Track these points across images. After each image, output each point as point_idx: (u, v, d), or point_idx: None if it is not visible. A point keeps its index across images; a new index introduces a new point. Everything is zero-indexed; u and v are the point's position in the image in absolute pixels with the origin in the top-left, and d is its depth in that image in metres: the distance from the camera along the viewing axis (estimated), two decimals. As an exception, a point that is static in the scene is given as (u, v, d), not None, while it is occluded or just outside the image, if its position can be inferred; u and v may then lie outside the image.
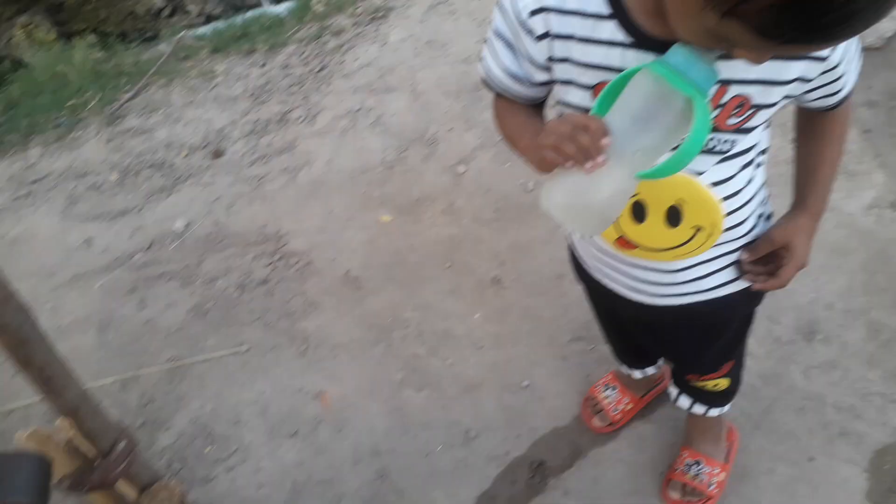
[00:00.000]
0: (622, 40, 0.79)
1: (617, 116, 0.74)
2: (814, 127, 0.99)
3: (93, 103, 3.13)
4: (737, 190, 0.92)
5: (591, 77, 0.84)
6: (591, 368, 1.78)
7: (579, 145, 0.72)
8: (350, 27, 3.09)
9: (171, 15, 4.37)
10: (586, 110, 0.84)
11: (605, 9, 0.79)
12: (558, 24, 0.82)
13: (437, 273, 2.12)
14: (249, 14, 4.02)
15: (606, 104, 0.77)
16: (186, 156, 2.76)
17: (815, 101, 0.90)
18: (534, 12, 0.82)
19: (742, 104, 0.81)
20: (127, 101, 3.12)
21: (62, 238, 2.46)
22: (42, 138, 3.00)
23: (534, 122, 0.96)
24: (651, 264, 1.01)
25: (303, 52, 3.10)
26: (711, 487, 1.47)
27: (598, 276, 1.15)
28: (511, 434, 1.69)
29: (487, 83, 0.98)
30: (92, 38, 4.00)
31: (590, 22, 0.80)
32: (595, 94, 0.84)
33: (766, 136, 0.95)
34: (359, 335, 1.97)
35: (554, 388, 1.76)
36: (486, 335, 1.92)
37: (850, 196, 2.00)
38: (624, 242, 0.97)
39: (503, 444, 1.67)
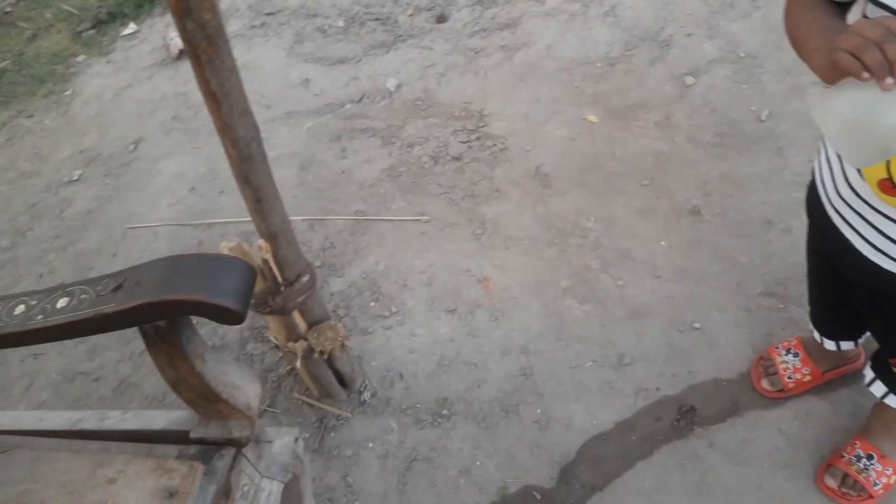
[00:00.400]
0: None
1: None
2: None
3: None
4: None
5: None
6: (776, 328, 1.66)
7: (886, 55, 0.65)
8: None
9: None
10: None
11: None
12: None
13: (632, 188, 2.04)
14: None
15: None
16: (412, 15, 2.81)
17: None
18: None
19: None
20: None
21: (284, 73, 2.66)
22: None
23: (832, 22, 0.87)
24: None
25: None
26: (877, 487, 1.37)
27: (837, 221, 1.04)
28: (667, 371, 1.65)
29: None
30: None
31: None
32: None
33: None
34: (535, 233, 1.98)
35: (728, 337, 1.68)
36: (668, 265, 1.85)
37: None
38: (888, 186, 0.86)
39: (657, 378, 1.64)
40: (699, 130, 2.13)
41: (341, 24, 2.85)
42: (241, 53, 2.74)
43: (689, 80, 2.25)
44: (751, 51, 2.28)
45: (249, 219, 1.20)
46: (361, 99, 2.47)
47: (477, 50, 2.56)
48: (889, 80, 0.65)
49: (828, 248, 1.14)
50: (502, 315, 1.83)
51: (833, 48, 0.70)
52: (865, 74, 0.66)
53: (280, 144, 2.37)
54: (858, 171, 0.91)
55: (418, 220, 2.07)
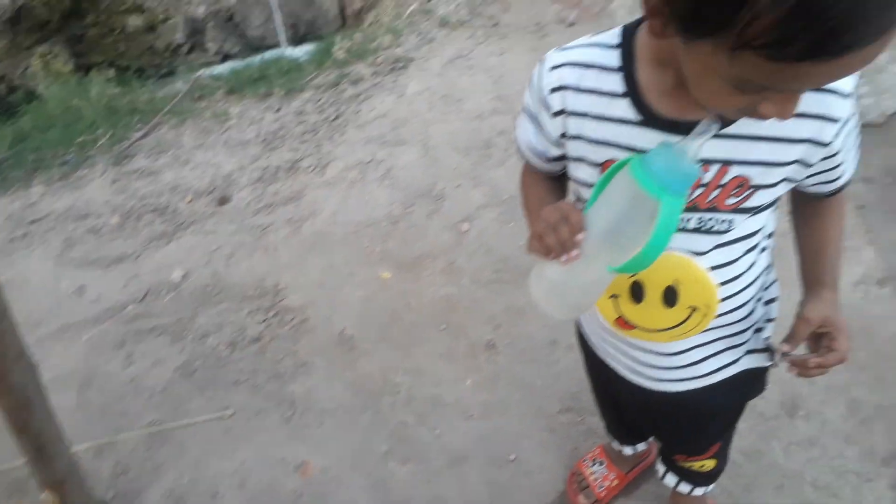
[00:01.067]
0: (633, 118, 0.89)
1: (596, 211, 0.84)
2: (813, 211, 1.05)
3: (102, 141, 3.33)
4: (737, 274, 0.99)
5: (601, 154, 0.93)
6: (579, 441, 1.85)
7: (558, 238, 0.83)
8: (369, 76, 3.27)
9: (190, 52, 4.62)
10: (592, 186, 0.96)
11: (620, 87, 0.89)
12: (574, 101, 0.92)
13: (431, 334, 2.21)
14: (268, 55, 4.26)
15: (597, 194, 0.86)
16: (191, 201, 2.92)
17: (815, 186, 0.96)
18: (553, 90, 0.93)
19: (742, 184, 0.89)
20: (137, 140, 3.32)
21: (54, 285, 2.60)
22: (47, 175, 3.19)
23: (548, 201, 1.02)
24: (649, 346, 1.09)
25: (319, 99, 3.28)
26: None
27: (601, 353, 1.23)
28: (495, 513, 1.75)
29: (518, 151, 1.10)
30: (109, 72, 4.27)
31: (604, 100, 0.90)
32: (603, 171, 0.92)
33: (773, 220, 1.02)
34: (347, 400, 2.06)
35: (541, 461, 1.83)
36: (476, 403, 2.00)
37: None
38: (623, 323, 1.04)
39: (486, 524, 1.74)
40: (480, 271, 2.38)
41: (116, 220, 2.88)
42: (2, 270, 2.66)
43: (465, 226, 2.53)
44: (512, 193, 2.63)
45: (20, 462, 1.15)
46: (145, 297, 2.48)
47: (264, 226, 2.70)
48: (563, 257, 0.83)
49: (600, 373, 1.34)
50: (325, 500, 1.85)
51: (530, 230, 0.90)
52: (550, 255, 0.85)
53: (55, 365, 2.26)
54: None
55: (221, 416, 2.07)
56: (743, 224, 0.94)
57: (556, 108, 0.94)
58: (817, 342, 1.03)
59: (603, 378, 1.32)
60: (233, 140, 3.20)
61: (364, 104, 3.14)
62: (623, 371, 1.19)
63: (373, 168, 2.83)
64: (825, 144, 0.87)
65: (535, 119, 0.99)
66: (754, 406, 1.80)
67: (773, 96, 0.69)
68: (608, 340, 1.17)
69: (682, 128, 0.84)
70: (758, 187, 0.89)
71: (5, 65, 4.45)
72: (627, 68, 0.89)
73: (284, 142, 3.09)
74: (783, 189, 0.93)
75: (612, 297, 1.02)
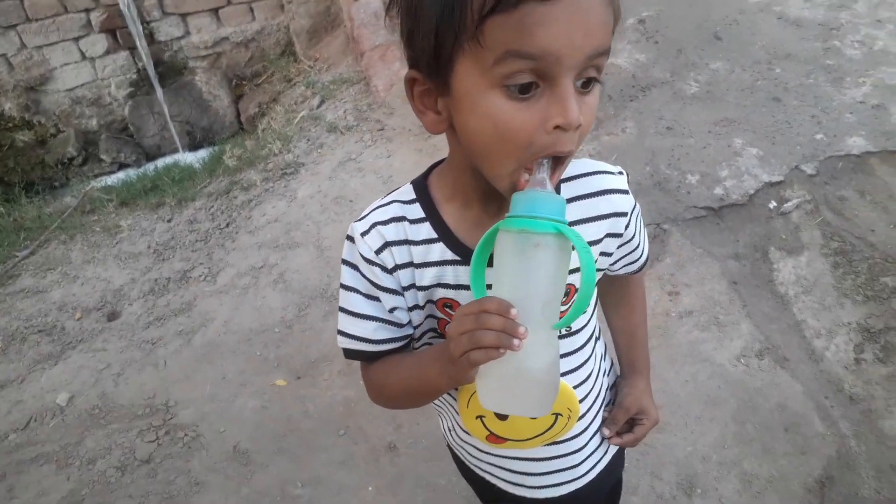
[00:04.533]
0: (452, 258, 0.91)
1: (505, 285, 0.76)
2: (618, 297, 1.16)
3: (-14, 262, 3.18)
4: (588, 373, 1.03)
5: (434, 294, 0.94)
6: (481, 545, 1.81)
7: (495, 329, 0.73)
8: (260, 182, 3.27)
9: (84, 163, 4.52)
10: (433, 331, 0.98)
11: (431, 233, 0.91)
12: (398, 254, 0.92)
13: (330, 441, 2.16)
14: (162, 163, 4.22)
15: (480, 286, 0.81)
16: (80, 318, 2.80)
17: (622, 268, 1.07)
18: (378, 250, 0.91)
19: (569, 291, 0.93)
20: (23, 260, 3.18)
21: (-69, 417, 2.43)
22: (-75, 301, 3.01)
23: (420, 357, 0.97)
24: (524, 454, 1.09)
25: (211, 207, 3.25)
26: None
27: (479, 472, 1.22)
28: None
29: (356, 353, 0.98)
30: (-4, 189, 4.11)
31: (422, 248, 0.92)
32: (439, 308, 0.95)
33: (596, 311, 1.09)
34: (242, 518, 1.97)
35: (443, 568, 1.79)
36: (376, 511, 1.95)
37: (721, 346, 2.18)
38: (494, 438, 1.05)
39: None
40: (379, 371, 2.36)
41: (-1, 344, 2.72)
42: None
43: (361, 326, 2.52)
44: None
45: None
46: (28, 424, 2.33)
47: (153, 341, 2.60)
48: (516, 342, 0.72)
49: (484, 492, 1.32)
50: None
51: (452, 361, 0.78)
52: (500, 351, 0.73)
53: (-72, 502, 2.11)
54: (466, 430, 1.10)
55: (108, 544, 1.94)
56: (580, 320, 1.00)
57: (390, 264, 0.92)
58: (631, 423, 1.16)
59: (485, 491, 1.31)
60: (124, 253, 3.11)
61: (255, 210, 3.12)
62: (503, 485, 1.18)
63: (265, 273, 2.80)
64: (620, 235, 0.98)
65: (369, 294, 0.94)
66: (653, 487, 1.84)
67: (550, 100, 0.70)
68: (483, 458, 1.16)
69: None
70: None
71: None
72: (432, 216, 0.91)
73: (176, 252, 3.02)
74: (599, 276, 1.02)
75: (477, 417, 1.02)
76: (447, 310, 0.95)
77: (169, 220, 3.26)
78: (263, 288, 2.74)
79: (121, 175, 4.33)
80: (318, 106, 3.69)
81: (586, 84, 0.73)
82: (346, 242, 0.96)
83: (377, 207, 0.95)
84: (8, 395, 2.48)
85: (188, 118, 4.62)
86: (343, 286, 0.96)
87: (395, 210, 0.93)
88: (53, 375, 2.53)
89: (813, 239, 2.49)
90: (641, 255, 1.07)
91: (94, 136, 4.60)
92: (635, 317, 1.18)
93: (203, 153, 4.38)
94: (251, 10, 4.54)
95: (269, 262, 2.84)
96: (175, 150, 4.66)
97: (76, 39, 4.35)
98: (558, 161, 0.76)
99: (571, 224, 0.91)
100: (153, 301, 2.80)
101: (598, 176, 0.95)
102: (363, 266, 0.93)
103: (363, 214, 0.95)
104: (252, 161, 3.43)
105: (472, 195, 0.90)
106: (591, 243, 0.95)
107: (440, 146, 3.20)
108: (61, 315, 2.83)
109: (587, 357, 1.04)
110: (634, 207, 0.99)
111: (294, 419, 2.24)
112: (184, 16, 4.48)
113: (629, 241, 1.01)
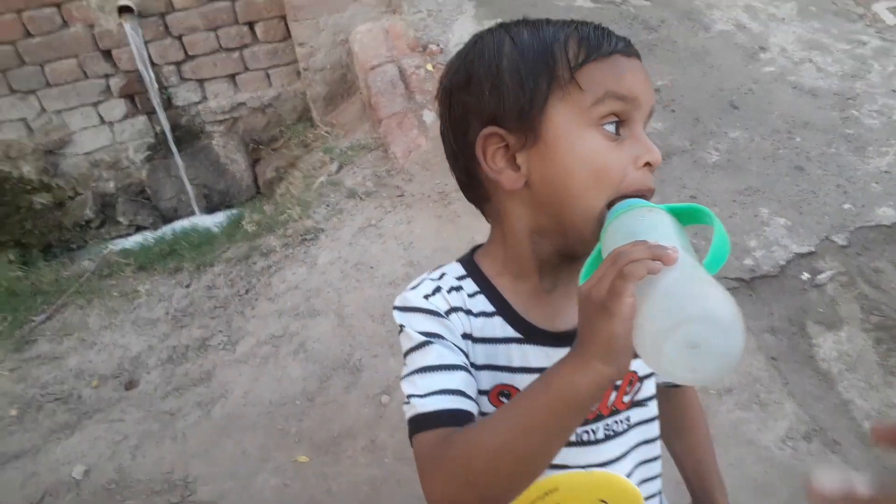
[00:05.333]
0: (514, 336, 0.86)
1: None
2: (680, 414, 1.08)
3: (2, 326, 3.14)
4: (655, 473, 0.97)
5: (489, 380, 0.85)
6: None
7: (643, 247, 0.61)
8: (279, 248, 3.25)
9: (101, 226, 4.52)
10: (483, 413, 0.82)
11: (489, 307, 0.86)
12: (462, 322, 0.85)
13: (354, 523, 2.09)
14: (180, 227, 4.22)
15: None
16: (97, 386, 2.75)
17: None
18: (448, 311, 0.84)
19: (631, 379, 0.90)
20: (40, 325, 3.15)
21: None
22: (-60, 367, 2.96)
23: (533, 383, 0.70)
24: None
25: (230, 273, 3.23)
26: None
27: None
28: None
29: (446, 414, 0.77)
30: (14, 252, 4.10)
31: (480, 320, 0.86)
32: (492, 400, 0.86)
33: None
34: None
35: None
36: None
37: (765, 427, 2.11)
38: None
39: None
40: (404, 446, 2.28)
41: (14, 413, 2.67)
42: None
43: (385, 398, 2.46)
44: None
45: None
46: (42, 499, 2.27)
47: (172, 412, 2.55)
48: (669, 248, 0.60)
49: None
50: None
51: (598, 301, 0.61)
52: (655, 262, 0.60)
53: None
54: None
55: None
56: (640, 415, 0.94)
57: (459, 330, 0.84)
58: None
59: None
60: (141, 319, 3.08)
61: (275, 276, 3.10)
62: None
63: (286, 342, 2.76)
64: None
65: (443, 337, 0.82)
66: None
67: (633, 141, 0.79)
68: None
69: (564, 339, 0.82)
70: (643, 377, 0.92)
71: None
72: (487, 288, 0.87)
73: (194, 319, 2.99)
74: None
75: None
76: (502, 399, 0.87)
77: (187, 286, 3.23)
78: (284, 358, 2.69)
79: (138, 238, 4.33)
80: (337, 171, 3.70)
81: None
82: (396, 313, 0.87)
83: (430, 279, 0.89)
84: (23, 466, 2.41)
85: (205, 181, 4.64)
86: (413, 347, 0.81)
87: (449, 281, 0.88)
88: (69, 446, 2.46)
89: (851, 312, 2.44)
90: None
91: (111, 199, 4.61)
92: (699, 436, 1.11)
93: (220, 216, 4.39)
94: (268, 76, 4.61)
95: (289, 330, 2.80)
96: (192, 213, 4.66)
97: (95, 104, 4.40)
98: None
99: None
100: (171, 370, 2.75)
101: None
102: (437, 316, 0.83)
103: (415, 283, 0.88)
104: (271, 226, 3.42)
105: (526, 266, 0.86)
106: None
107: (460, 212, 3.19)
108: (78, 383, 2.78)
109: (657, 438, 0.96)
110: None
111: (316, 499, 2.17)
112: (201, 81, 4.54)
113: None
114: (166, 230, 4.25)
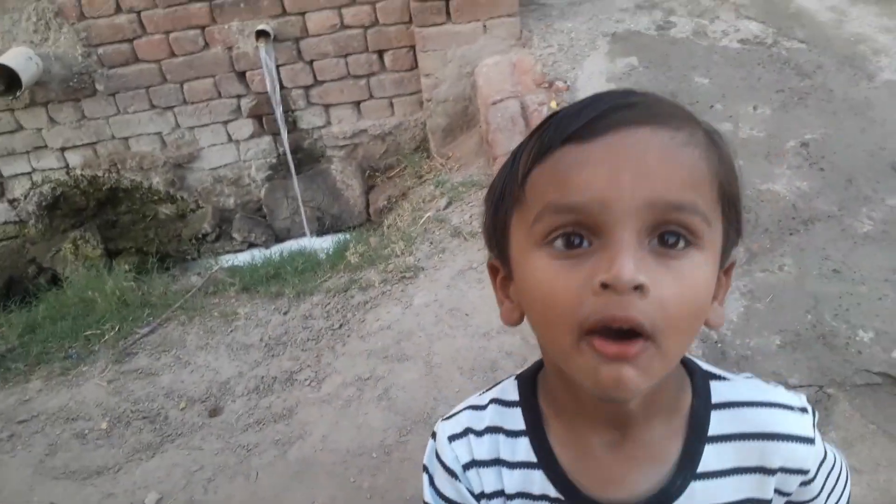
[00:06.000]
0: (553, 495, 0.71)
1: None
2: None
3: (109, 335, 3.24)
4: None
5: None
6: None
7: None
8: (378, 283, 3.18)
9: (216, 240, 4.66)
10: None
11: (531, 455, 0.72)
12: (487, 479, 0.75)
13: None
14: (288, 248, 4.26)
15: None
16: (184, 409, 2.76)
17: None
18: (466, 466, 0.76)
19: None
20: (143, 337, 3.22)
21: (27, 498, 2.41)
22: (47, 369, 3.08)
23: None
24: None
25: (327, 304, 3.19)
26: None
27: None
28: None
29: None
30: (133, 259, 4.29)
31: (518, 472, 0.73)
32: None
33: None
34: None
35: None
36: None
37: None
38: None
39: None
40: None
41: (104, 426, 2.72)
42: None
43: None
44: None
45: None
46: (112, 524, 2.26)
47: (249, 447, 2.50)
48: None
49: None
50: None
51: None
52: None
53: None
54: None
55: None
56: None
57: (477, 489, 0.75)
58: None
59: None
60: (237, 343, 3.08)
61: (370, 313, 3.02)
62: None
63: (371, 385, 2.65)
64: (789, 494, 0.71)
65: None
66: None
67: (601, 255, 0.57)
68: None
69: None
70: None
71: (38, 247, 4.52)
72: (534, 430, 0.73)
73: (286, 349, 2.96)
74: None
75: None
76: None
77: (285, 313, 3.21)
78: (367, 403, 2.59)
79: (248, 256, 4.42)
80: (445, 207, 3.60)
81: (668, 242, 0.57)
82: (430, 444, 0.81)
83: (469, 407, 0.78)
84: (102, 484, 2.43)
85: (320, 205, 4.69)
86: (432, 493, 0.80)
87: (491, 416, 0.76)
88: (148, 470, 2.46)
89: None
90: None
91: (229, 215, 4.75)
92: None
93: (329, 240, 4.40)
94: (391, 105, 4.61)
95: (375, 373, 2.70)
96: (303, 235, 4.72)
97: (225, 123, 4.55)
98: (630, 337, 0.56)
99: (707, 475, 0.68)
100: (256, 401, 2.71)
101: (770, 410, 0.70)
102: (445, 477, 0.77)
103: (454, 412, 0.80)
104: (374, 260, 3.36)
105: (570, 409, 0.71)
106: (763, 501, 0.69)
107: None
108: (167, 402, 2.80)
109: None
110: (823, 461, 0.72)
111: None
112: (327, 107, 4.60)
113: (809, 501, 0.74)
114: (275, 250, 4.31)
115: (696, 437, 0.68)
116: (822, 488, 0.73)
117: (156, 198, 4.61)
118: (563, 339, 0.59)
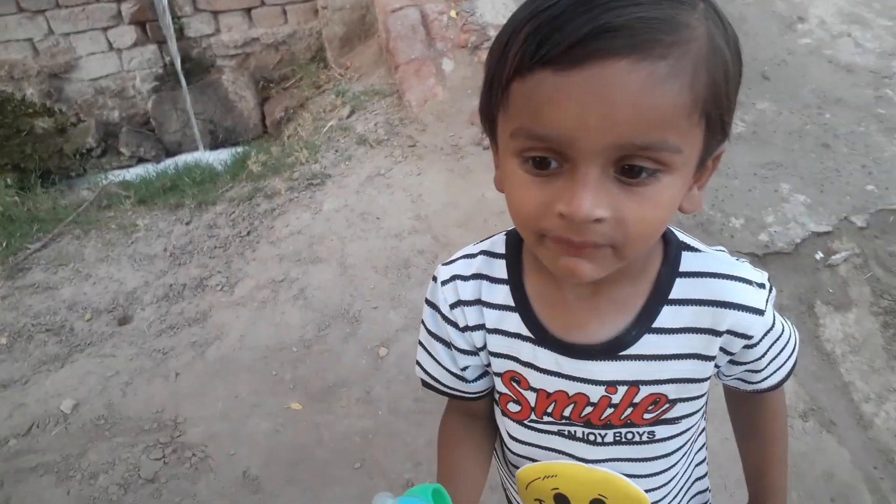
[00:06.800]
0: (526, 334, 0.82)
1: None
2: (752, 422, 0.99)
3: (-3, 252, 3.10)
4: (668, 479, 0.92)
5: (502, 365, 0.86)
6: None
7: None
8: (284, 191, 3.19)
9: (102, 155, 4.45)
10: (503, 394, 0.89)
11: (510, 300, 0.83)
12: (471, 315, 0.85)
13: (345, 473, 2.06)
14: (182, 161, 4.14)
15: None
16: (89, 319, 2.71)
17: (732, 381, 0.90)
18: (453, 305, 0.86)
19: (657, 401, 0.82)
20: (35, 252, 3.10)
21: (-71, 414, 2.33)
22: (-68, 290, 2.92)
23: (461, 472, 0.96)
24: None
25: (232, 213, 3.17)
26: None
27: None
28: None
29: (432, 388, 0.97)
30: (12, 176, 4.04)
31: (496, 313, 0.84)
32: (505, 382, 0.87)
33: (701, 418, 0.95)
34: (249, 551, 1.87)
35: None
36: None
37: (773, 410, 2.07)
38: None
39: None
40: (399, 400, 2.26)
41: (3, 341, 2.63)
42: None
43: (383, 351, 2.42)
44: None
45: None
46: (30, 430, 2.24)
47: (165, 350, 2.51)
48: None
49: None
50: None
51: None
52: None
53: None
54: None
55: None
56: (667, 431, 0.87)
57: (462, 323, 0.86)
58: None
59: None
60: (139, 254, 3.03)
61: (278, 220, 3.04)
62: None
63: (285, 287, 2.71)
64: (733, 353, 0.82)
65: (442, 340, 0.89)
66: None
67: (566, 182, 0.62)
68: None
69: (576, 351, 0.80)
70: (677, 401, 0.83)
71: None
72: (514, 280, 0.83)
73: (193, 257, 2.94)
74: (707, 387, 0.87)
75: (536, 500, 0.94)
76: (514, 384, 0.87)
77: (187, 223, 3.17)
78: (283, 303, 2.65)
79: (139, 170, 4.26)
80: (348, 116, 3.61)
81: (634, 172, 0.61)
82: (431, 283, 0.89)
83: (464, 256, 0.88)
84: (11, 396, 2.39)
85: (212, 117, 4.55)
86: (423, 323, 0.91)
87: (479, 264, 0.86)
88: (59, 379, 2.43)
89: (862, 295, 2.39)
90: (764, 381, 0.89)
91: (114, 129, 4.53)
92: (769, 453, 0.99)
93: (224, 154, 4.31)
94: (284, 12, 4.49)
95: (289, 275, 2.76)
96: (196, 149, 4.59)
97: (104, 29, 4.29)
98: (588, 246, 0.64)
99: (661, 331, 0.79)
100: (167, 308, 2.71)
101: (728, 283, 0.79)
102: (437, 313, 0.88)
103: (451, 258, 0.89)
104: (277, 168, 3.35)
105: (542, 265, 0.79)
106: (672, 357, 0.80)
107: (472, 167, 3.12)
108: (70, 315, 2.74)
109: (670, 466, 0.91)
110: (770, 331, 0.83)
111: (308, 447, 2.14)
112: (216, 13, 4.42)
113: (752, 362, 0.85)
114: (169, 164, 4.18)
115: (657, 298, 0.78)
116: (766, 354, 0.84)
117: (31, 110, 4.32)
118: (527, 235, 0.69)
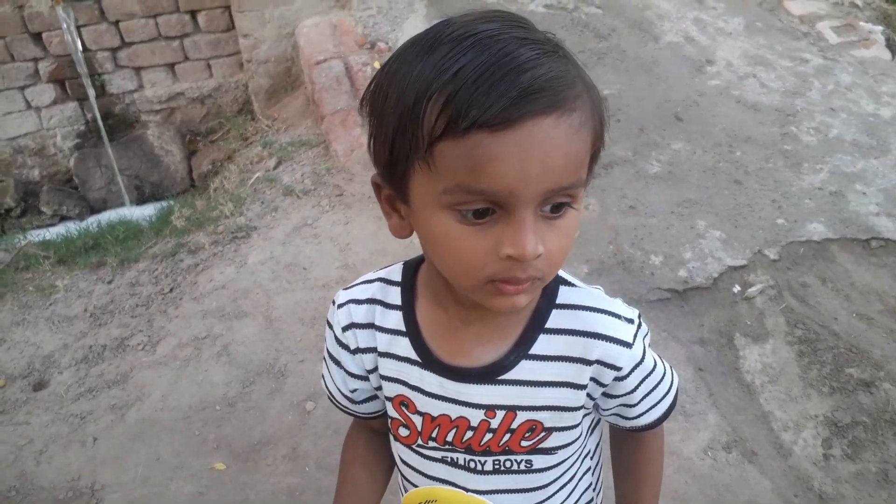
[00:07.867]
0: (414, 358, 0.87)
1: None
2: (629, 461, 1.04)
3: None
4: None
5: (392, 390, 0.91)
6: None
7: None
8: (208, 245, 3.16)
9: (22, 215, 4.34)
10: (394, 419, 0.93)
11: (401, 325, 0.88)
12: (363, 338, 0.91)
13: (272, 535, 2.02)
14: (106, 218, 4.07)
15: None
16: (2, 386, 2.62)
17: (611, 416, 0.94)
18: (345, 328, 0.91)
19: (534, 428, 0.87)
20: (-55, 319, 2.99)
21: None
22: None
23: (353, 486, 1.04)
24: None
25: (155, 270, 3.12)
26: None
27: None
28: None
29: (331, 400, 1.03)
30: (-76, 240, 3.90)
31: (388, 336, 0.89)
32: (395, 406, 0.91)
33: (591, 440, 1.00)
34: None
35: None
36: None
37: (688, 437, 2.14)
38: None
39: None
40: (327, 454, 2.23)
41: None
42: None
43: (309, 405, 2.40)
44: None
45: None
46: (-67, 508, 2.14)
47: (83, 415, 2.44)
48: None
49: None
50: None
51: None
52: None
53: None
54: None
55: None
56: (543, 462, 0.91)
57: (353, 346, 0.92)
58: None
59: None
60: (57, 315, 2.95)
61: (202, 275, 3.01)
62: None
63: (209, 344, 2.67)
64: (605, 385, 0.87)
65: (336, 361, 0.95)
66: None
67: (506, 227, 0.68)
68: None
69: (458, 374, 0.85)
70: (553, 429, 0.88)
71: None
72: (407, 306, 0.89)
73: (114, 317, 2.88)
74: (587, 421, 0.92)
75: None
76: (403, 408, 0.91)
77: (109, 282, 3.11)
78: (206, 361, 2.60)
79: (61, 229, 4.15)
80: (275, 167, 3.62)
81: (556, 209, 0.70)
82: (331, 306, 0.95)
83: (363, 282, 0.93)
84: (-87, 473, 2.27)
85: (137, 172, 4.50)
86: (327, 343, 0.97)
87: (374, 290, 0.91)
88: (-33, 452, 2.33)
89: (777, 326, 2.49)
90: (640, 418, 0.93)
91: (35, 187, 4.44)
92: (641, 497, 1.03)
93: (150, 209, 4.25)
94: (209, 66, 4.50)
95: (213, 332, 2.72)
96: (122, 205, 4.51)
97: (22, 88, 4.23)
98: (525, 282, 0.72)
99: (536, 357, 0.85)
100: (86, 370, 2.64)
101: (598, 316, 0.86)
102: (333, 335, 0.94)
103: (351, 284, 0.95)
104: (201, 223, 3.33)
105: (442, 296, 0.86)
106: (546, 384, 0.85)
107: (400, 215, 3.15)
108: (-17, 383, 2.64)
109: (547, 497, 0.94)
110: (639, 364, 0.88)
111: (232, 508, 2.09)
112: (138, 69, 4.41)
113: (624, 395, 0.90)
114: (91, 221, 4.10)
115: (534, 327, 0.85)
116: (638, 388, 0.89)
117: (-56, 171, 4.20)
118: (467, 282, 0.74)
